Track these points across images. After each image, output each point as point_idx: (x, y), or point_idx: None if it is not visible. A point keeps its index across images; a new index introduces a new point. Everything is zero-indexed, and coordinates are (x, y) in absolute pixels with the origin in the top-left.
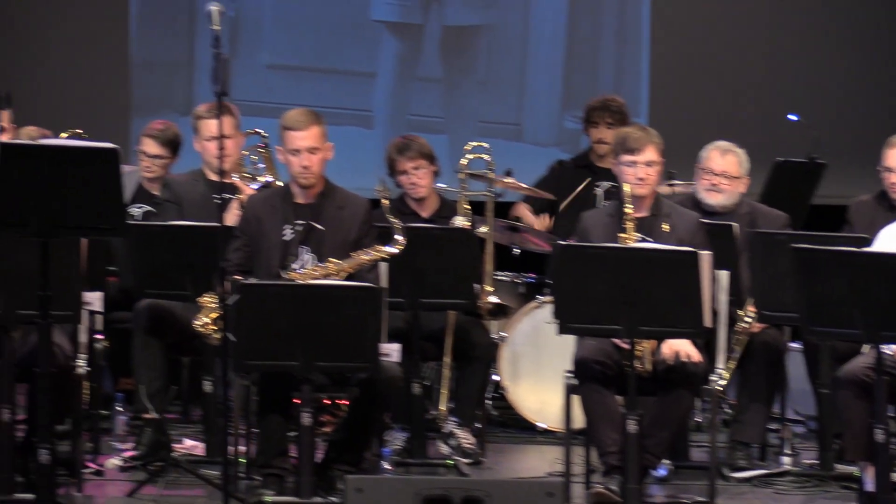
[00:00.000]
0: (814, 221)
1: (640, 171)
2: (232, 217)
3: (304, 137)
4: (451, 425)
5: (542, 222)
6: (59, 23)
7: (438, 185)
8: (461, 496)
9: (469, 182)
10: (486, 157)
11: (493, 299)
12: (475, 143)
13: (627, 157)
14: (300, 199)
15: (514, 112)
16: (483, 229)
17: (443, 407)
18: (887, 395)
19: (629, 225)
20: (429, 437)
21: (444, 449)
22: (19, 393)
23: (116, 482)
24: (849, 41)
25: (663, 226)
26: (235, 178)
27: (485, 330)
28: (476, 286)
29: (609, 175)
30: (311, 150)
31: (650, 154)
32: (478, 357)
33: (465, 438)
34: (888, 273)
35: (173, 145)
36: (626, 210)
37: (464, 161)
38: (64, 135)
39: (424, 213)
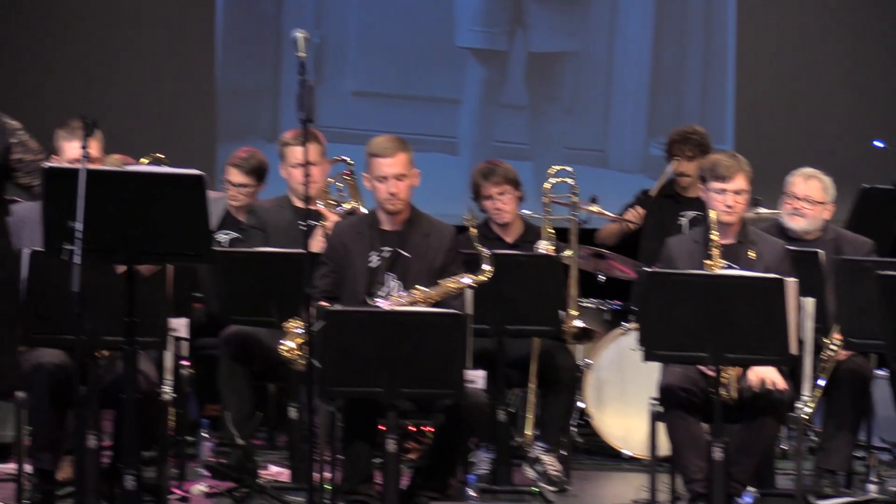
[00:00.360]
0: None
1: (729, 198)
2: (317, 244)
3: (392, 164)
4: (537, 451)
5: (632, 220)
6: (147, 50)
7: (523, 210)
8: None
9: (553, 207)
10: (569, 180)
11: (578, 323)
12: (559, 167)
13: (717, 185)
14: (387, 226)
15: (599, 138)
16: (567, 254)
17: (528, 432)
18: None
19: (715, 252)
20: (514, 464)
21: (530, 473)
22: (106, 419)
23: None
24: None
25: (749, 253)
26: (320, 205)
27: (570, 354)
28: (561, 312)
29: (694, 204)
30: (399, 177)
31: (740, 182)
32: (562, 381)
33: (552, 465)
34: None
35: (258, 173)
36: (713, 237)
37: (547, 185)
38: (145, 160)
39: (509, 239)
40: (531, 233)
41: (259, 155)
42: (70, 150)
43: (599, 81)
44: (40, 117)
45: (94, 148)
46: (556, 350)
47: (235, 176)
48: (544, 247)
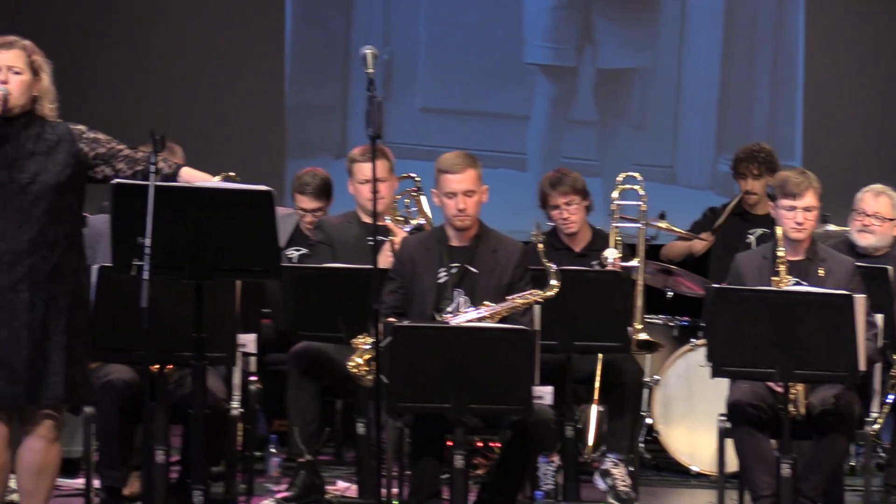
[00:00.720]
0: None
1: (799, 215)
2: (384, 260)
3: (461, 180)
4: (608, 463)
5: (703, 241)
6: (217, 66)
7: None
8: None
9: (622, 222)
10: (637, 188)
11: (642, 336)
12: (626, 174)
13: (786, 202)
14: (455, 242)
15: (667, 155)
16: (634, 262)
17: (590, 443)
18: None
19: (782, 268)
20: (582, 480)
21: (601, 485)
22: (174, 434)
23: None
24: None
25: (819, 270)
26: (388, 221)
27: (635, 362)
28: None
29: (762, 222)
30: (468, 193)
31: (809, 199)
32: (627, 388)
33: (622, 479)
34: None
35: (326, 192)
36: (780, 253)
37: (615, 193)
38: (216, 178)
39: (576, 248)
40: (599, 241)
41: (321, 173)
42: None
43: (668, 97)
44: (112, 134)
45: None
46: (621, 359)
47: (306, 202)
48: (611, 255)
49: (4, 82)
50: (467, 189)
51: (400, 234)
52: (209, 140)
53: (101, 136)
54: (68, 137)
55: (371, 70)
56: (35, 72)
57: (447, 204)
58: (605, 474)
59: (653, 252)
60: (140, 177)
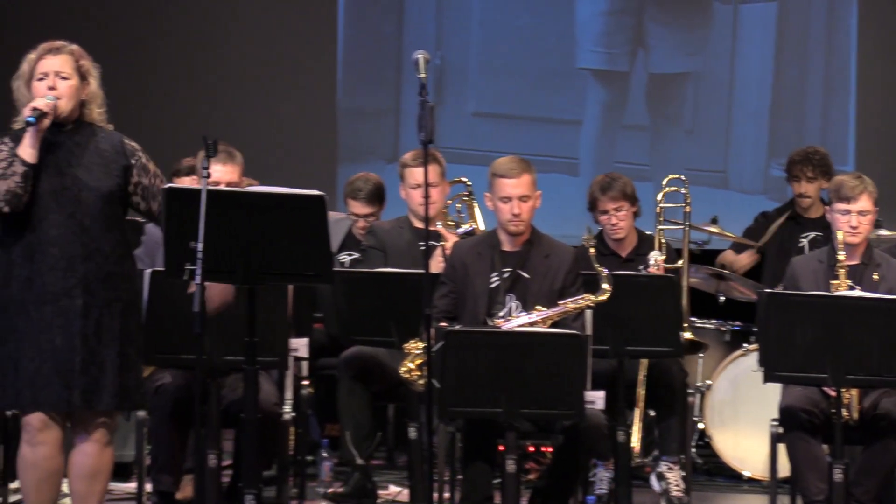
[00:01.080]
0: None
1: (854, 219)
2: (435, 264)
3: (516, 185)
4: (663, 466)
5: (747, 258)
6: (268, 71)
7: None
8: None
9: (667, 225)
10: (682, 190)
11: (687, 335)
12: (672, 176)
13: (841, 206)
14: (507, 247)
15: (719, 159)
16: (679, 264)
17: (636, 447)
18: None
19: (842, 272)
20: (634, 484)
21: (656, 486)
22: (226, 438)
23: None
24: None
25: (874, 275)
26: (440, 226)
27: (677, 362)
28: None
29: (815, 225)
30: (522, 198)
31: (864, 203)
32: (672, 386)
33: (675, 484)
34: None
35: (378, 198)
36: (839, 257)
37: (660, 196)
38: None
39: (623, 253)
40: (645, 246)
41: (373, 178)
42: (213, 173)
43: (720, 102)
44: (164, 140)
45: (234, 173)
46: (665, 364)
47: (359, 208)
48: (655, 258)
49: (52, 88)
50: (522, 194)
51: (451, 239)
52: (262, 145)
53: (151, 166)
54: (121, 150)
55: (423, 74)
56: (83, 76)
57: (501, 208)
58: (661, 477)
59: (705, 256)
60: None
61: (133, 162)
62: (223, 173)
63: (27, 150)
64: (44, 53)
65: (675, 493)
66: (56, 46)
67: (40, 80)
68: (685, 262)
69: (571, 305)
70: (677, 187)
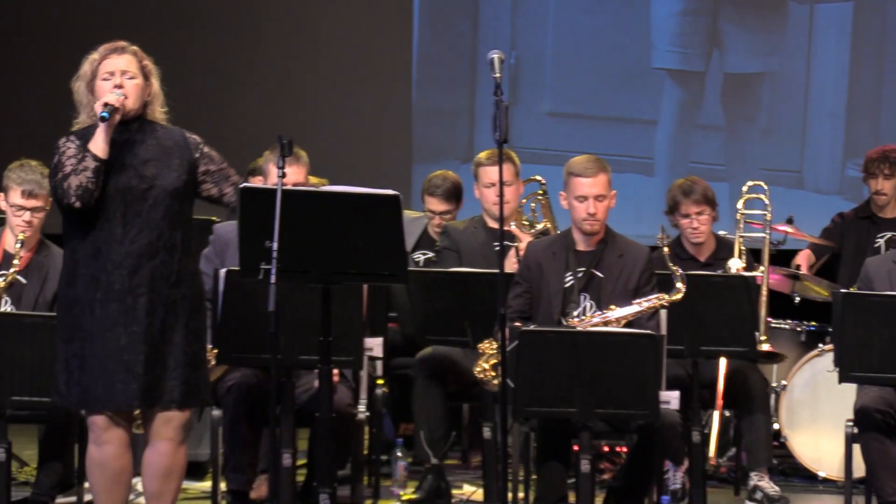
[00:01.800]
0: None
1: None
2: (510, 264)
3: (593, 185)
4: (753, 478)
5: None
6: (344, 72)
7: (719, 231)
8: None
9: (747, 226)
10: (763, 197)
11: (765, 347)
12: (752, 183)
13: None
14: (581, 247)
15: (795, 159)
16: (758, 272)
17: (712, 450)
18: None
19: None
20: (709, 485)
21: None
22: (301, 438)
23: None
24: None
25: None
26: (513, 226)
27: (759, 372)
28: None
29: (890, 225)
30: (598, 198)
31: None
32: (756, 399)
33: (770, 487)
34: None
35: (456, 196)
36: None
37: (740, 203)
38: None
39: (702, 258)
40: (723, 250)
41: (452, 177)
42: (276, 173)
43: (796, 102)
44: (239, 139)
45: (300, 174)
46: (745, 369)
47: (436, 204)
48: (735, 265)
49: (119, 87)
50: (598, 193)
51: (525, 239)
52: (337, 145)
53: (215, 154)
54: (184, 144)
55: (498, 74)
56: (146, 76)
57: (577, 208)
58: (754, 491)
59: (780, 257)
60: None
61: (197, 155)
62: (289, 174)
63: (99, 146)
64: (108, 53)
65: (772, 493)
66: (120, 46)
67: (105, 79)
68: (766, 271)
69: (645, 305)
70: (758, 193)
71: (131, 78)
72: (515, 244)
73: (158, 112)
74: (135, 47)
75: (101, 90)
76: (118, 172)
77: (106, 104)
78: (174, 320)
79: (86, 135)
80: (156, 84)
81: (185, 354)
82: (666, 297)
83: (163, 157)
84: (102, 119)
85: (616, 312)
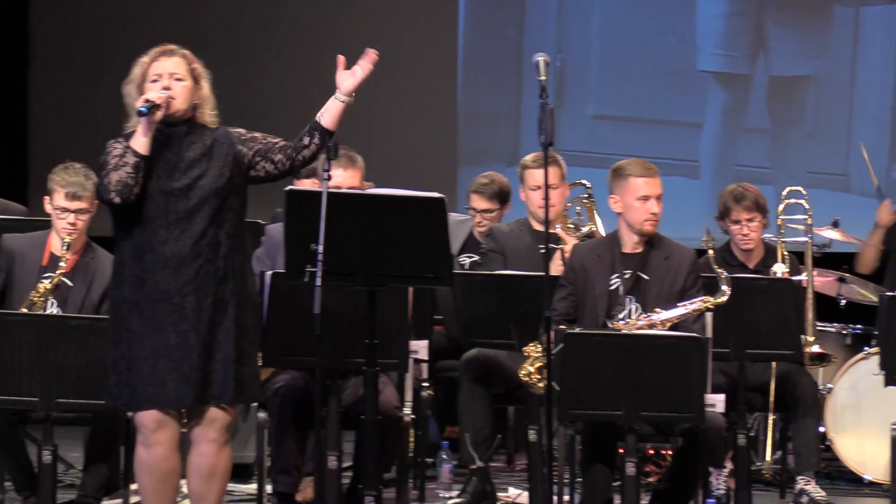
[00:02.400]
0: None
1: None
2: (555, 267)
3: (654, 185)
4: (800, 482)
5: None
6: (389, 75)
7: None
8: None
9: (789, 230)
10: (803, 202)
11: (815, 349)
12: (792, 188)
13: None
14: (627, 249)
15: (841, 162)
16: (802, 276)
17: (768, 457)
18: None
19: None
20: (754, 488)
21: None
22: (347, 440)
23: None
24: None
25: None
26: (559, 229)
27: (809, 376)
28: (802, 336)
29: None
30: (658, 198)
31: None
32: (804, 403)
33: (816, 491)
34: None
35: (501, 197)
36: None
37: (780, 207)
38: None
39: (750, 264)
40: (771, 257)
41: (500, 179)
42: (334, 178)
43: (841, 105)
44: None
45: (355, 178)
46: (795, 373)
47: (478, 202)
48: (779, 270)
49: (167, 88)
50: (659, 193)
51: (570, 242)
52: (383, 148)
53: (256, 134)
54: (227, 140)
55: (543, 77)
56: (195, 79)
57: (637, 209)
58: (800, 494)
59: (825, 260)
60: (299, 161)
61: (241, 147)
62: (344, 178)
63: (139, 142)
64: (157, 56)
65: (818, 498)
66: (169, 49)
67: (154, 81)
68: (810, 275)
69: (691, 308)
70: (797, 199)
71: (179, 80)
72: (560, 247)
73: (208, 115)
74: (185, 50)
75: (149, 91)
76: (162, 173)
77: (146, 100)
78: (222, 317)
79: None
80: (206, 87)
81: (234, 350)
82: (711, 299)
83: (207, 158)
84: (140, 114)
85: (661, 315)
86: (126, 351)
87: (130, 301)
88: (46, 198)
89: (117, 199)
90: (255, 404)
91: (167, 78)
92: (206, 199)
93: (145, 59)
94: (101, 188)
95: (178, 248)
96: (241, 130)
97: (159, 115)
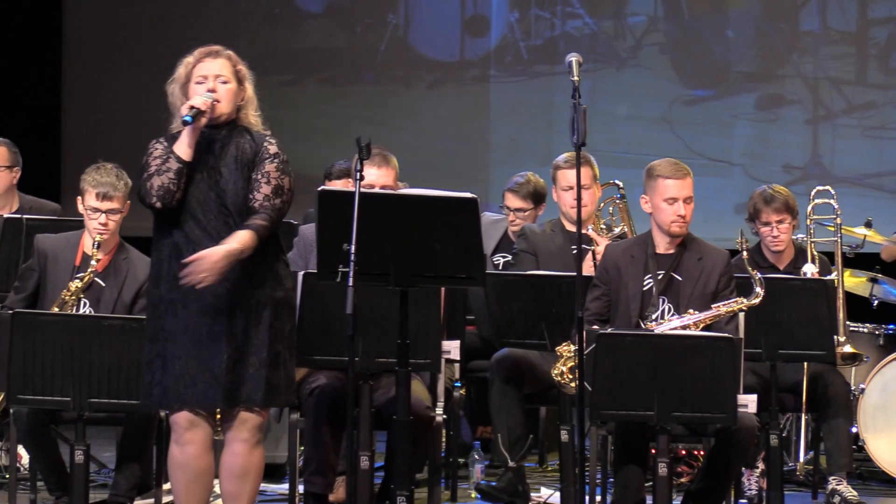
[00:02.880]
0: None
1: None
2: (587, 268)
3: (682, 187)
4: (831, 482)
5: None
6: (421, 74)
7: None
8: None
9: (818, 231)
10: (832, 202)
11: (847, 348)
12: (820, 188)
13: None
14: (660, 250)
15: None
16: (832, 276)
17: (801, 458)
18: None
19: None
20: (786, 489)
21: None
22: (379, 440)
23: None
24: None
25: None
26: (590, 231)
27: (841, 376)
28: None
29: None
30: (687, 200)
31: None
32: (836, 404)
33: (849, 491)
34: None
35: (535, 197)
36: None
37: (809, 208)
38: None
39: (781, 265)
40: (802, 258)
41: (536, 179)
42: (368, 177)
43: None
44: (315, 140)
45: (390, 177)
46: (827, 373)
47: (513, 201)
48: (809, 270)
49: (213, 91)
50: (688, 195)
51: (602, 242)
52: (416, 149)
53: (272, 168)
54: (259, 150)
55: (576, 77)
56: (240, 81)
57: (665, 210)
58: (832, 495)
59: (859, 260)
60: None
61: (266, 167)
62: (378, 176)
63: (183, 148)
64: (202, 57)
65: (849, 497)
66: (214, 50)
67: (199, 83)
68: (840, 274)
69: (724, 309)
70: (825, 199)
71: (224, 82)
72: (592, 247)
73: (252, 117)
74: (229, 51)
75: (195, 92)
76: (200, 174)
77: (191, 107)
78: (257, 320)
79: (176, 137)
80: (249, 89)
81: (267, 354)
82: (745, 301)
83: (241, 160)
84: (185, 122)
85: (694, 317)
86: (161, 349)
87: (167, 300)
88: (79, 198)
89: (158, 204)
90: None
91: (213, 80)
92: (242, 202)
93: (190, 59)
94: (143, 192)
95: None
96: (273, 151)
97: (204, 120)
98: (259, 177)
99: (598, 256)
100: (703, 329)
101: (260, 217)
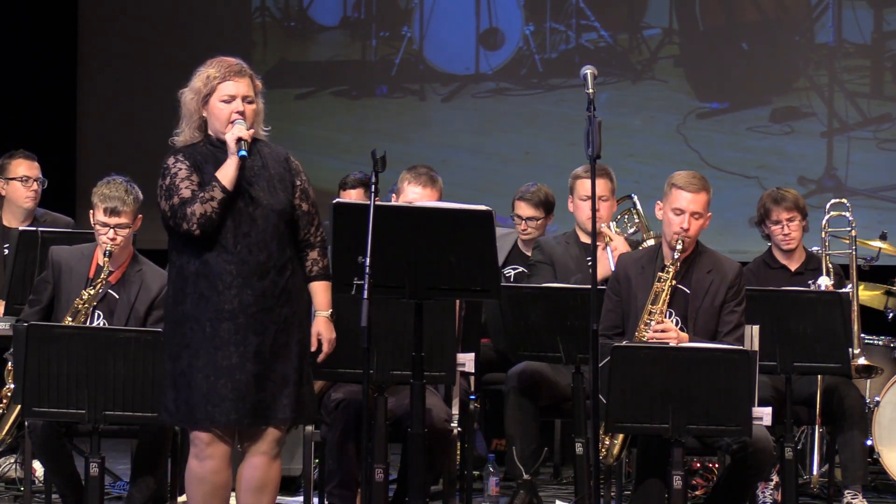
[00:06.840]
0: None
1: None
2: (603, 266)
3: (692, 200)
4: (847, 496)
5: None
6: (437, 86)
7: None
8: None
9: (833, 243)
10: (847, 214)
11: (862, 361)
12: (836, 201)
13: None
14: (669, 261)
15: None
16: (846, 289)
17: (815, 471)
18: None
19: None
20: (800, 502)
21: None
22: (393, 453)
23: None
24: None
25: None
26: (603, 228)
27: (855, 389)
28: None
29: None
30: (694, 215)
31: None
32: (851, 416)
33: None
34: None
35: (546, 206)
36: None
37: (824, 221)
38: None
39: (792, 266)
40: (813, 261)
41: (545, 188)
42: (410, 193)
43: None
44: (335, 150)
45: (433, 197)
46: (842, 386)
47: (524, 209)
48: (824, 283)
49: (241, 113)
50: (695, 210)
51: (616, 239)
52: (430, 161)
53: (311, 191)
54: (287, 166)
55: (591, 90)
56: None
57: (671, 220)
58: None
59: (874, 273)
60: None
61: (298, 183)
62: (422, 196)
63: (229, 178)
64: (229, 75)
65: None
66: (240, 69)
67: (225, 101)
68: (854, 286)
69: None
70: (840, 212)
71: (250, 102)
72: (607, 242)
73: (262, 130)
74: (248, 68)
75: (219, 112)
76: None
77: (242, 140)
78: (286, 338)
79: (193, 154)
80: (260, 103)
81: (295, 371)
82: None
83: (270, 176)
84: (243, 159)
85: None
86: (186, 367)
87: (193, 317)
88: (91, 211)
89: (198, 232)
90: None
91: (239, 101)
92: (272, 220)
93: (213, 72)
94: (179, 217)
95: (244, 268)
96: (299, 167)
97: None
98: (303, 205)
99: (615, 254)
100: (707, 339)
101: (317, 252)
